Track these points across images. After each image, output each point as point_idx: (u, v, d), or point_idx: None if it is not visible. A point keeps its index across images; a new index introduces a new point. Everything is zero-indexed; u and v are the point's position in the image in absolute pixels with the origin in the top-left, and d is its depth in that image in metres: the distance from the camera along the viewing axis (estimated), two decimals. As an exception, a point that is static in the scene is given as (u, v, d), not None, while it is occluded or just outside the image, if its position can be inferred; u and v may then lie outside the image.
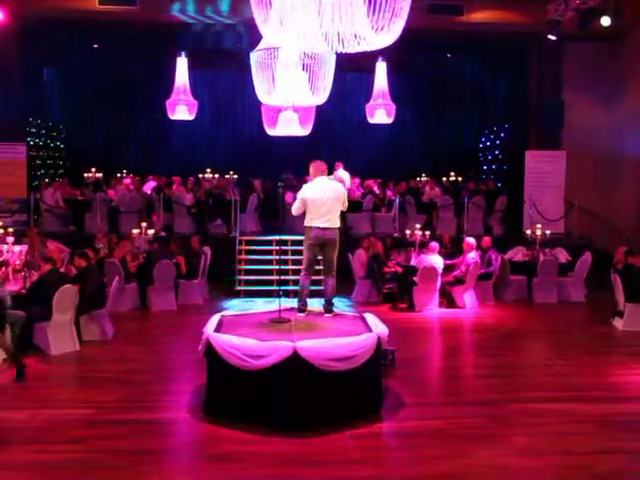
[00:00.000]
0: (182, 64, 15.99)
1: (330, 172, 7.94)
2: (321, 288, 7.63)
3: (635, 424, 6.48)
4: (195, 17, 15.04)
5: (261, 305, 11.46)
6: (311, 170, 7.44)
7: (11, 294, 8.52)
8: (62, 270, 9.71)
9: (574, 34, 15.05)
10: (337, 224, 7.33)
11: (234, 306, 11.67)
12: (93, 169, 18.82)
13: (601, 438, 5.98)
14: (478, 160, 21.26)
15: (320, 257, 7.46)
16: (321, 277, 7.64)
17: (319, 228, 7.20)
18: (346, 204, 7.42)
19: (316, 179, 7.34)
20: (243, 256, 13.61)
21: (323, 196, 7.22)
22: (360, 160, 20.71)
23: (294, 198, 7.43)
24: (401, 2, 4.67)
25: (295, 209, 7.36)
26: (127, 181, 16.69)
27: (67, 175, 18.72)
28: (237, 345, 6.12)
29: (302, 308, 7.36)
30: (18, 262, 9.95)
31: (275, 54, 8.93)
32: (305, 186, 7.40)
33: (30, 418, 6.33)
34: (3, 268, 9.62)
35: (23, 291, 9.02)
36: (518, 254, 13.13)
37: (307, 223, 7.28)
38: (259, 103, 11.55)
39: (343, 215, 15.13)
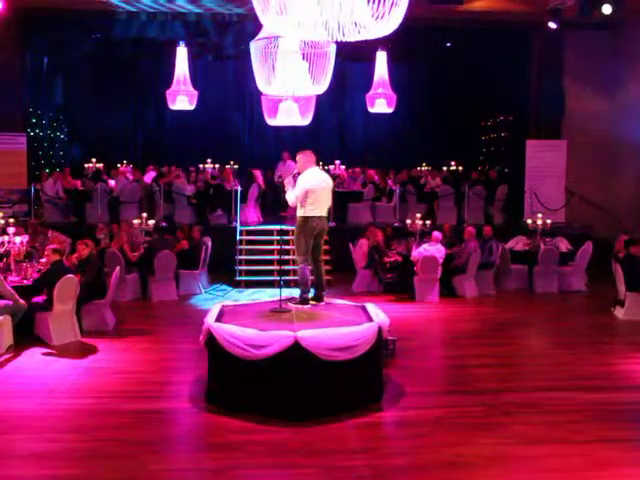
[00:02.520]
0: (182, 54, 15.91)
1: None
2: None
3: (635, 413, 6.50)
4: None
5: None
6: (302, 160, 7.31)
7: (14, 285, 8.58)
8: (63, 260, 9.72)
9: (575, 22, 14.98)
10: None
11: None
12: (93, 159, 18.80)
13: (601, 427, 6.00)
14: (479, 149, 21.21)
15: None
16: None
17: (319, 218, 7.19)
18: None
19: (310, 169, 7.27)
20: (244, 246, 13.61)
21: (323, 186, 7.23)
22: (360, 149, 20.71)
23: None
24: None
25: (296, 198, 7.17)
26: (126, 170, 16.68)
27: (67, 166, 18.70)
28: (238, 335, 6.13)
29: (308, 299, 7.35)
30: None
31: (275, 43, 8.89)
32: (304, 176, 7.21)
33: (34, 408, 6.36)
34: (4, 259, 9.63)
35: (25, 282, 9.05)
36: (519, 243, 13.13)
37: (306, 213, 7.14)
38: (259, 93, 11.53)
39: (344, 204, 15.31)
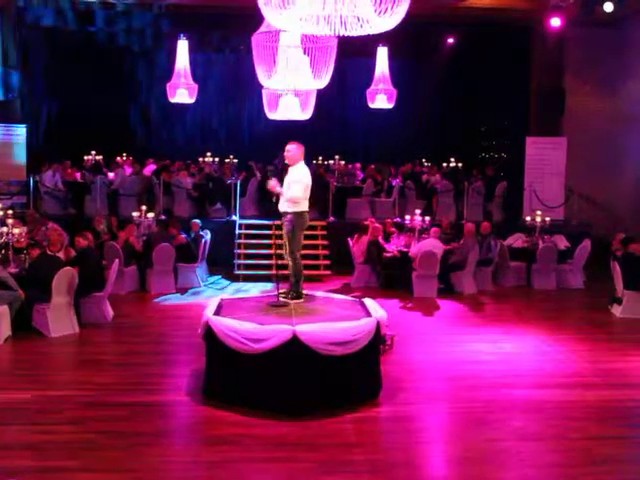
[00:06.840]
0: (182, 47, 15.84)
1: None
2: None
3: (631, 410, 6.52)
4: None
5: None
6: (298, 152, 7.05)
7: (13, 275, 8.59)
8: (62, 253, 9.71)
9: (576, 20, 14.95)
10: None
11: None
12: (93, 152, 18.74)
13: (597, 424, 6.02)
14: (479, 146, 21.20)
15: None
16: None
17: (308, 212, 7.20)
18: None
19: (301, 162, 7.09)
20: (243, 240, 13.60)
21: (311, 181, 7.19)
22: (360, 145, 20.69)
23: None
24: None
25: (302, 197, 6.95)
26: (124, 161, 16.64)
27: (67, 157, 18.63)
28: (236, 328, 6.13)
29: (302, 293, 7.33)
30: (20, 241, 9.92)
31: (276, 37, 8.88)
32: (301, 171, 7.01)
33: (31, 399, 6.36)
34: (3, 250, 9.62)
35: (24, 273, 9.05)
36: (518, 240, 13.15)
37: (302, 208, 7.01)
38: (260, 86, 11.50)
39: (343, 200, 15.29)
